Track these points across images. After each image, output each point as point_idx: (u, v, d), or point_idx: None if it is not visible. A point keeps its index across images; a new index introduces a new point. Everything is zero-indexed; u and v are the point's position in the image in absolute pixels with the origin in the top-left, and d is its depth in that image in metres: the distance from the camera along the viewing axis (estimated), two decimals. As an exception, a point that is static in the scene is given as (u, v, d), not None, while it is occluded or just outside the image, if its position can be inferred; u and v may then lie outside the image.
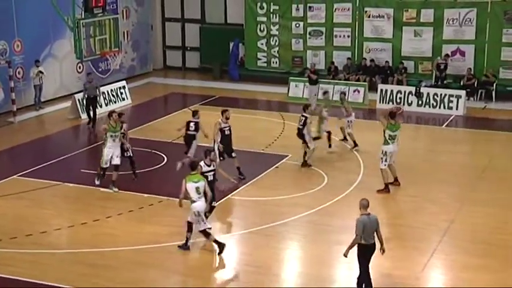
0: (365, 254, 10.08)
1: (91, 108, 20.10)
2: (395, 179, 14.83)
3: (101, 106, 20.57)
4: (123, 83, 22.76)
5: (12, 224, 12.90)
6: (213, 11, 27.38)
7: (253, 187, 14.94)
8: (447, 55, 23.05)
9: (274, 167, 16.02)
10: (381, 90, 22.27)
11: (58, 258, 11.65)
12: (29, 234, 12.38)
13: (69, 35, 20.79)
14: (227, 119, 15.10)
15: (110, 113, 14.97)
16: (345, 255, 10.20)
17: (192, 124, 15.60)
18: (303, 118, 16.02)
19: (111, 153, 14.68)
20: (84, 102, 20.27)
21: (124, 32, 25.28)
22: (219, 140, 15.02)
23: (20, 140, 18.53)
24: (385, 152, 14.51)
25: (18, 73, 21.29)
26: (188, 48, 28.17)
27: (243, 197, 14.46)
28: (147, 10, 27.33)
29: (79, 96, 20.99)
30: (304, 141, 16.05)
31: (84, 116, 20.67)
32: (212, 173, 12.43)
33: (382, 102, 22.08)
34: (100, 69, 24.59)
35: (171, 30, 28.22)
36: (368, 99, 22.36)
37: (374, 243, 10.11)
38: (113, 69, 23.24)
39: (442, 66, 22.81)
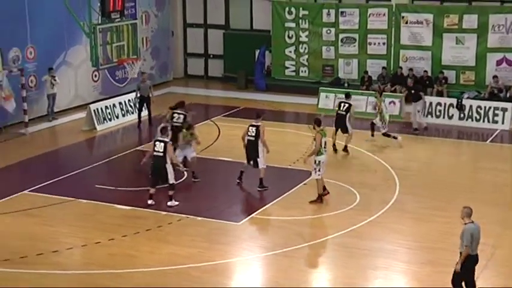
0: (471, 266, 10.12)
1: (144, 108, 20.97)
2: (324, 188, 15.02)
3: (148, 107, 21.19)
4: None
5: (21, 243, 13.04)
6: (238, 16, 27.56)
7: (279, 206, 14.92)
8: (495, 77, 22.68)
9: (302, 184, 15.99)
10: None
11: (70, 279, 11.73)
12: (40, 254, 12.51)
13: (85, 41, 21.14)
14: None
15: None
16: (457, 271, 10.14)
17: (252, 129, 15.72)
18: (347, 105, 18.23)
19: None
20: (137, 102, 21.11)
21: (143, 39, 25.57)
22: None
23: (31, 152, 18.78)
24: (319, 162, 14.73)
25: (31, 82, 21.63)
26: (211, 56, 28.36)
27: (268, 216, 14.45)
28: (167, 15, 27.62)
29: (94, 106, 21.29)
30: (345, 129, 17.95)
31: (99, 127, 20.96)
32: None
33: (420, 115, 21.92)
34: (117, 78, 24.87)
35: (193, 36, 28.46)
36: (404, 111, 22.23)
37: (477, 255, 10.17)
38: (130, 77, 23.47)
39: (496, 91, 22.48)
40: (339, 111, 18.54)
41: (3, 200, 15.15)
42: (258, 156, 15.63)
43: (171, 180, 14.69)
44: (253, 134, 15.65)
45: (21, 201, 15.11)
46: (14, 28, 20.75)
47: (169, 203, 14.72)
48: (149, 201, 14.80)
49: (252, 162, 15.77)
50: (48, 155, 18.83)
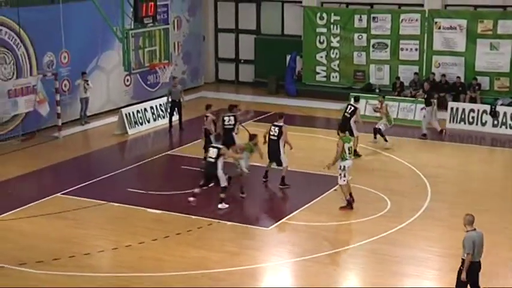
0: (473, 273, 10.18)
1: (175, 113, 21.31)
2: (350, 194, 15.05)
3: (179, 111, 21.51)
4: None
5: (54, 245, 13.26)
6: (269, 21, 27.67)
7: (309, 211, 14.95)
8: None
9: (332, 189, 16.00)
10: (452, 108, 21.99)
11: (101, 281, 11.90)
12: (72, 256, 12.71)
13: (118, 46, 21.41)
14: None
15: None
16: (463, 279, 10.24)
17: (274, 128, 16.04)
18: (353, 108, 18.28)
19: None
20: (169, 107, 21.43)
21: (175, 43, 25.83)
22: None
23: (64, 156, 19.09)
24: (344, 167, 14.78)
25: (65, 86, 21.99)
26: (242, 61, 28.50)
27: (298, 222, 14.47)
28: (199, 20, 27.84)
29: (126, 110, 21.56)
30: (350, 131, 17.62)
31: (131, 131, 21.23)
32: None
33: (453, 122, 21.81)
34: (148, 82, 25.15)
35: (224, 41, 28.64)
36: (437, 118, 22.08)
37: (480, 262, 10.23)
38: (162, 82, 23.72)
39: None
40: (344, 114, 18.62)
41: (37, 202, 15.41)
42: (280, 155, 15.95)
43: (223, 183, 14.89)
44: (276, 134, 16.04)
45: (54, 204, 15.37)
46: (48, 33, 21.11)
47: (219, 205, 14.92)
48: (190, 198, 14.98)
49: (275, 162, 16.17)
50: (80, 158, 19.12)
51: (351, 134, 18.42)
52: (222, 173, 14.90)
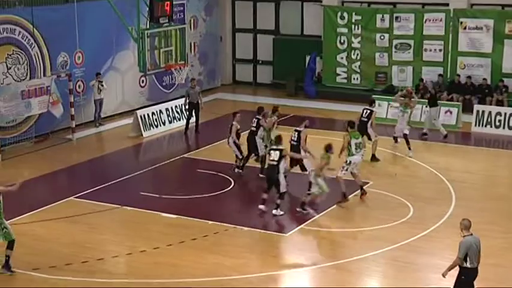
0: (468, 279, 10.21)
1: (193, 114, 21.42)
2: (361, 188, 15.64)
3: (197, 113, 21.66)
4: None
5: (67, 250, 13.34)
6: (288, 21, 27.66)
7: (329, 217, 14.90)
8: None
9: (353, 195, 15.94)
10: (477, 111, 21.82)
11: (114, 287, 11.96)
12: (85, 261, 12.77)
13: (133, 46, 21.51)
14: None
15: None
16: (443, 275, 10.40)
17: (295, 134, 16.22)
18: (368, 111, 18.33)
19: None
20: (186, 108, 21.61)
21: (191, 44, 25.88)
22: None
23: (78, 158, 19.21)
24: (350, 162, 15.41)
25: (79, 87, 22.12)
26: (260, 62, 28.51)
27: (318, 228, 14.43)
28: (216, 20, 27.89)
29: (141, 112, 21.65)
30: (368, 136, 18.01)
31: (146, 133, 21.32)
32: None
33: (479, 125, 21.63)
34: (164, 84, 25.23)
35: (241, 42, 28.67)
36: (461, 121, 21.95)
37: (477, 268, 10.26)
38: (178, 83, 23.79)
39: None
40: (361, 118, 18.54)
41: (50, 206, 15.52)
42: (301, 160, 15.96)
43: (283, 189, 14.82)
44: (295, 139, 16.09)
45: (68, 208, 15.46)
46: (62, 33, 21.25)
47: (274, 211, 14.86)
48: (261, 206, 14.97)
49: (299, 166, 16.14)
50: (94, 161, 19.22)
51: (369, 138, 18.39)
52: (283, 177, 14.82)
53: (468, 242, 10.18)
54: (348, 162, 15.32)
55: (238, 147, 17.30)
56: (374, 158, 18.40)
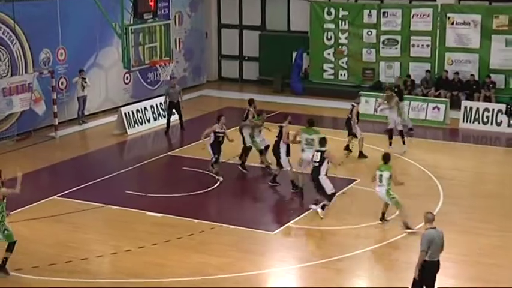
0: (429, 272, 10.23)
1: (175, 113, 21.27)
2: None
3: (179, 111, 21.51)
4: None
5: (50, 250, 13.27)
6: (275, 17, 27.64)
7: (315, 215, 14.89)
8: None
9: (340, 192, 15.96)
10: (465, 107, 21.92)
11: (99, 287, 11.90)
12: (69, 261, 12.71)
13: (117, 42, 21.43)
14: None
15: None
16: (416, 278, 10.36)
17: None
18: (351, 107, 18.40)
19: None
20: (166, 108, 21.36)
21: (176, 40, 25.81)
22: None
23: (61, 156, 19.11)
24: (301, 159, 15.67)
25: (61, 84, 22.00)
26: (246, 58, 28.49)
27: (304, 226, 14.45)
28: (201, 16, 27.84)
29: (125, 109, 21.56)
30: (351, 133, 18.22)
31: (130, 131, 21.25)
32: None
33: (466, 122, 21.73)
34: (149, 80, 25.15)
35: (227, 37, 28.64)
36: (449, 117, 22.04)
37: (439, 261, 10.30)
38: (162, 80, 23.73)
39: None
40: (348, 115, 18.68)
41: (33, 205, 15.42)
42: (279, 158, 16.08)
43: (329, 190, 14.62)
44: (277, 134, 16.22)
45: (51, 207, 15.38)
46: (45, 29, 21.14)
47: (319, 211, 14.59)
48: (312, 206, 14.82)
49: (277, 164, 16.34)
50: (78, 159, 19.12)
51: (354, 136, 18.38)
52: (325, 179, 14.57)
53: (431, 234, 10.26)
54: (299, 159, 15.64)
55: (213, 149, 16.81)
56: (361, 155, 18.43)
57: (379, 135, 20.11)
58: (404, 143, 19.05)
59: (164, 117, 22.26)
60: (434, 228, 10.37)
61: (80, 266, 12.56)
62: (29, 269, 12.29)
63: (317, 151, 14.88)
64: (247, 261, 12.80)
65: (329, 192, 14.65)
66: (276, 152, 16.22)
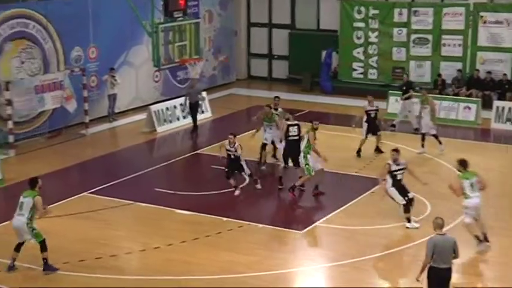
0: (434, 279, 10.11)
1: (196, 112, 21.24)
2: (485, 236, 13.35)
3: (202, 112, 21.52)
4: (203, 94, 23.26)
5: (81, 246, 13.41)
6: (304, 15, 27.59)
7: (345, 214, 14.87)
8: None
9: (369, 192, 15.89)
10: (497, 107, 21.69)
11: (127, 284, 12.00)
12: (98, 258, 12.84)
13: (147, 41, 21.59)
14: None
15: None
16: (417, 280, 10.31)
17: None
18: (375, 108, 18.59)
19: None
20: (187, 108, 21.31)
21: (205, 38, 25.91)
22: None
23: (91, 154, 19.31)
24: (466, 207, 13.30)
25: (92, 82, 22.22)
26: (275, 57, 28.49)
27: (333, 225, 14.41)
28: (231, 14, 27.90)
29: (155, 107, 21.71)
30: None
31: (160, 129, 21.39)
32: None
33: (498, 122, 21.50)
34: (178, 78, 25.28)
35: (257, 36, 28.66)
36: (481, 117, 21.81)
37: (449, 269, 10.13)
38: (192, 78, 23.83)
39: None
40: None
41: (63, 201, 15.60)
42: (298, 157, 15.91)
43: (400, 201, 14.25)
44: (297, 133, 16.17)
45: (81, 204, 15.55)
46: (76, 27, 21.37)
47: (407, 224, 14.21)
48: (407, 224, 14.24)
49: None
50: (108, 156, 19.30)
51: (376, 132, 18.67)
52: (391, 189, 14.10)
53: (435, 240, 10.12)
54: (465, 206, 13.29)
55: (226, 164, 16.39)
56: (378, 150, 18.44)
57: (407, 134, 19.94)
58: (440, 142, 18.87)
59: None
60: (443, 234, 10.23)
61: (109, 263, 12.68)
62: (59, 264, 12.43)
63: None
64: (275, 259, 12.81)
65: (401, 203, 14.15)
66: (297, 152, 15.85)
